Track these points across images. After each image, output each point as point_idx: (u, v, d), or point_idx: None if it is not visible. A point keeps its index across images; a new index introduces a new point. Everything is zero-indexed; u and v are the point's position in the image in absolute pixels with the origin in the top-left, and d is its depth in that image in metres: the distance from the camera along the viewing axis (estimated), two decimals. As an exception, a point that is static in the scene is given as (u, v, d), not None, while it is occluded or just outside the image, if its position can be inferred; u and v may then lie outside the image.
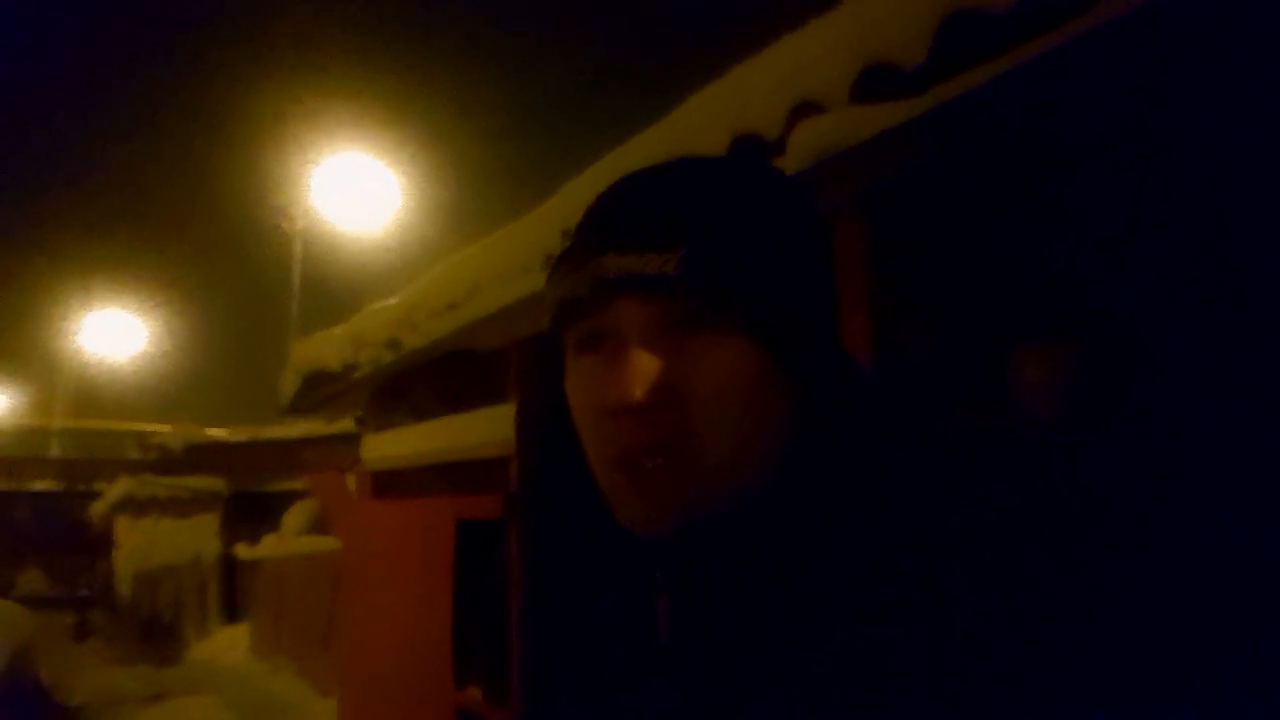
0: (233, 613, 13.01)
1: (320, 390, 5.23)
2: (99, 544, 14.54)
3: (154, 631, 12.53)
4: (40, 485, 18.42)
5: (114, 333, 37.52)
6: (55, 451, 24.71)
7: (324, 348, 5.06)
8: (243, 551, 12.62)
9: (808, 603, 0.67)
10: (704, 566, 0.73)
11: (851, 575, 0.66)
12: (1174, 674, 0.69)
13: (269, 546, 11.68)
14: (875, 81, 1.73)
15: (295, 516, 11.76)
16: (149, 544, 13.50)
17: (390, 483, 5.07)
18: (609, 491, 0.74)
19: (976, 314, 1.92)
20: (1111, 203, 1.70)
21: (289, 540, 11.31)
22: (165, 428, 17.47)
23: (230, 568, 13.16)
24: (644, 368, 0.69)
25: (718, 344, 0.70)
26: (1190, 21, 1.30)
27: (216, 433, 16.33)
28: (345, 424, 9.44)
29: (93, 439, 25.07)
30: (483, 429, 3.92)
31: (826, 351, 0.77)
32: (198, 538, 13.62)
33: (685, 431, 0.69)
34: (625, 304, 0.71)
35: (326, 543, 8.27)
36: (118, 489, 14.01)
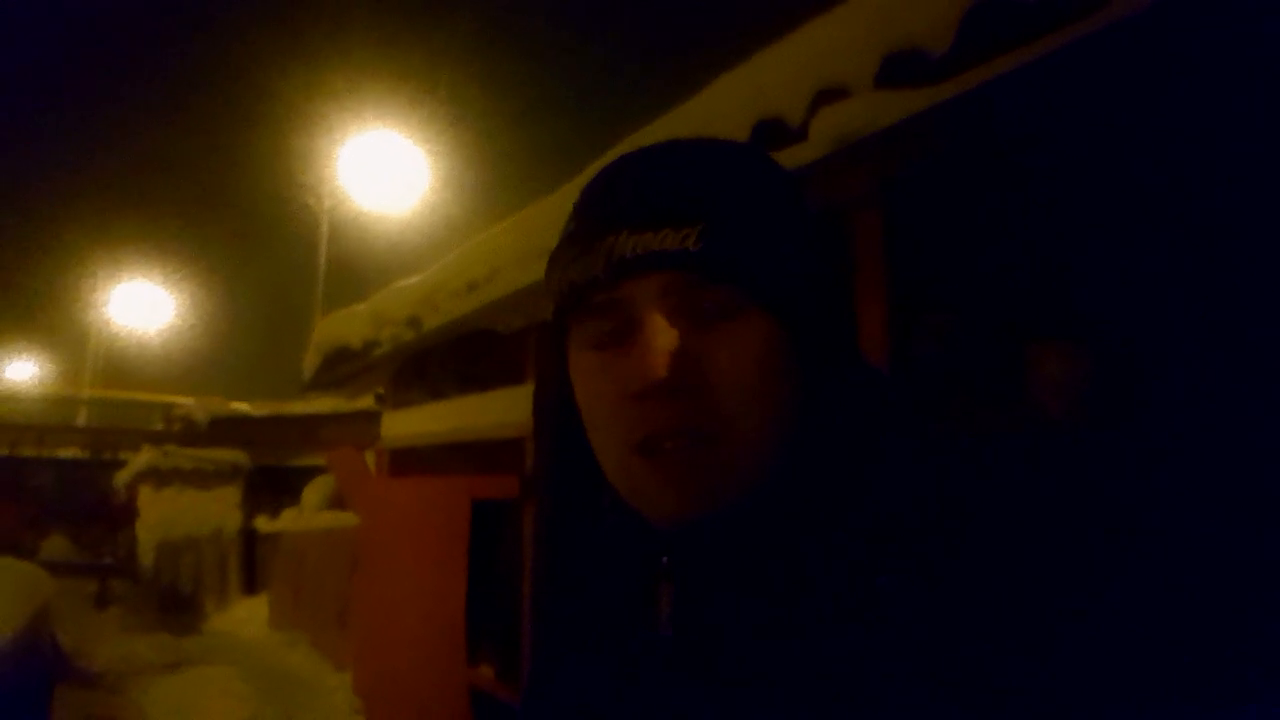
0: (252, 585, 13.13)
1: (341, 367, 5.26)
2: (122, 513, 14.68)
3: (174, 601, 12.66)
4: (66, 453, 18.62)
5: (143, 305, 37.88)
6: (82, 420, 25.01)
7: (346, 325, 5.08)
8: (263, 525, 12.73)
9: (814, 594, 0.66)
10: (712, 555, 0.71)
11: (857, 567, 0.65)
12: (1179, 670, 0.68)
13: (289, 521, 11.78)
14: (900, 68, 1.71)
15: (315, 491, 11.86)
16: (171, 514, 13.62)
17: (408, 460, 5.10)
18: (626, 479, 0.72)
19: (994, 308, 1.90)
20: (1134, 198, 1.67)
21: (309, 515, 11.41)
22: (190, 400, 17.58)
23: (251, 541, 13.28)
24: (667, 347, 0.67)
25: (740, 322, 0.68)
26: (1218, 13, 1.27)
27: (240, 406, 16.43)
28: (366, 401, 9.51)
29: (119, 409, 25.37)
30: (500, 410, 3.93)
31: (839, 335, 0.76)
32: (220, 510, 13.73)
33: (712, 413, 0.67)
34: (643, 283, 0.69)
35: (346, 518, 8.33)
36: (141, 459, 14.14)
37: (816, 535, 0.68)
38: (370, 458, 5.68)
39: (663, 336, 0.68)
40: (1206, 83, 1.45)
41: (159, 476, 13.89)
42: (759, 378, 0.69)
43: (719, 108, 2.20)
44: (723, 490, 0.69)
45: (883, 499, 0.68)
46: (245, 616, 11.89)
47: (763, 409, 0.69)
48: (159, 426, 18.01)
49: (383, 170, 23.20)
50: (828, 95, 1.87)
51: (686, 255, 0.68)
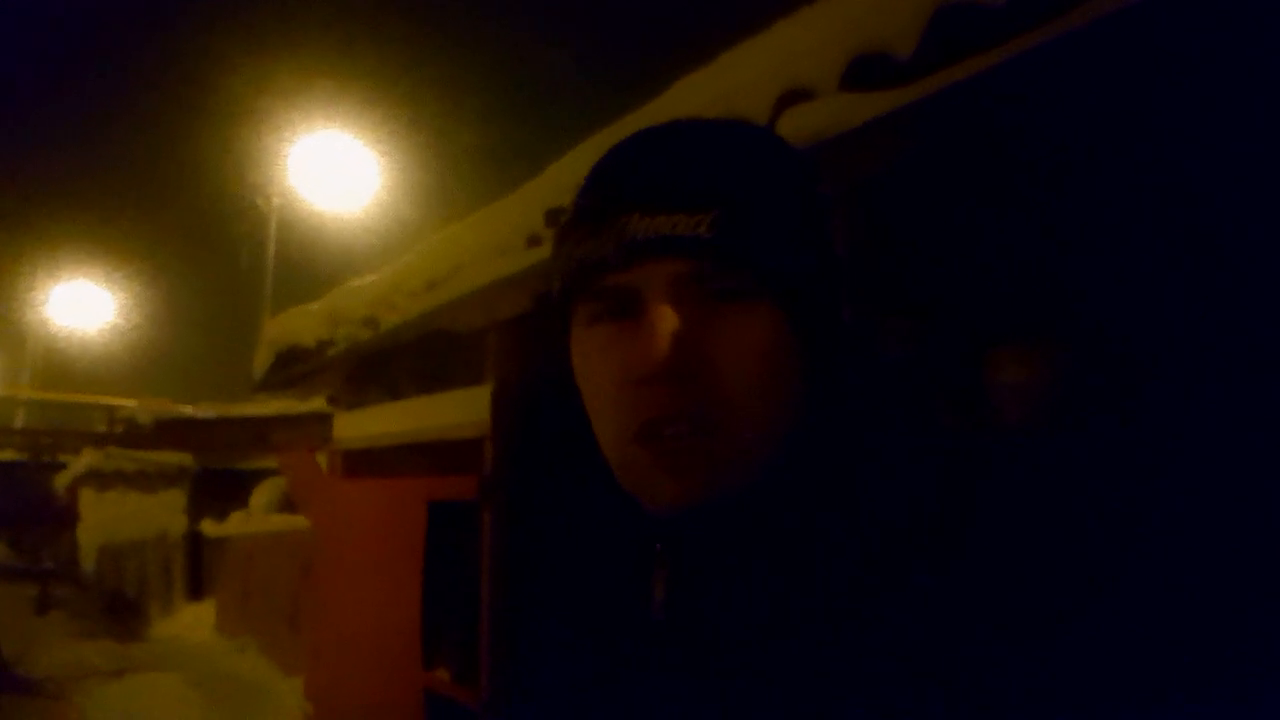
0: (198, 590, 12.90)
1: (294, 367, 5.19)
2: (64, 516, 14.37)
3: (118, 606, 12.41)
4: (4, 455, 18.17)
5: (84, 305, 37.06)
6: (20, 422, 24.42)
7: (299, 324, 5.01)
8: (209, 529, 12.51)
9: (809, 587, 0.66)
10: (709, 541, 0.71)
11: (854, 563, 0.66)
12: (1179, 670, 0.69)
13: (237, 524, 11.59)
14: (866, 70, 1.73)
15: (264, 494, 11.70)
16: (114, 518, 13.35)
17: (362, 462, 5.04)
18: (623, 466, 0.72)
19: (956, 312, 1.93)
20: (1097, 202, 1.70)
21: (257, 518, 11.24)
22: (133, 402, 17.24)
23: (197, 544, 13.05)
24: (672, 333, 0.67)
25: (745, 310, 0.69)
26: (1183, 18, 1.30)
27: (186, 409, 16.16)
28: (317, 403, 9.39)
29: (59, 411, 24.80)
30: (458, 410, 3.90)
31: (837, 324, 0.76)
32: (164, 513, 13.48)
33: (714, 400, 0.67)
34: (652, 267, 0.68)
35: (295, 521, 8.22)
36: (83, 461, 13.86)
37: (815, 528, 0.69)
38: (322, 460, 5.60)
39: (668, 322, 0.67)
40: (1176, 85, 1.48)
41: (101, 479, 13.62)
42: (762, 368, 0.69)
43: (683, 109, 2.21)
44: (721, 479, 0.69)
45: (882, 496, 0.69)
46: (192, 622, 11.69)
47: (765, 400, 0.69)
48: (101, 428, 17.63)
49: (333, 170, 22.97)
50: (793, 97, 1.88)
51: (698, 242, 0.67)
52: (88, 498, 13.68)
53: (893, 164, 1.81)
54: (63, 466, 15.18)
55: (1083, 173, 1.70)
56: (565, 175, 2.73)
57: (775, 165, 0.75)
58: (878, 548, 0.66)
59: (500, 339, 3.47)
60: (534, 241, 2.74)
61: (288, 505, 10.37)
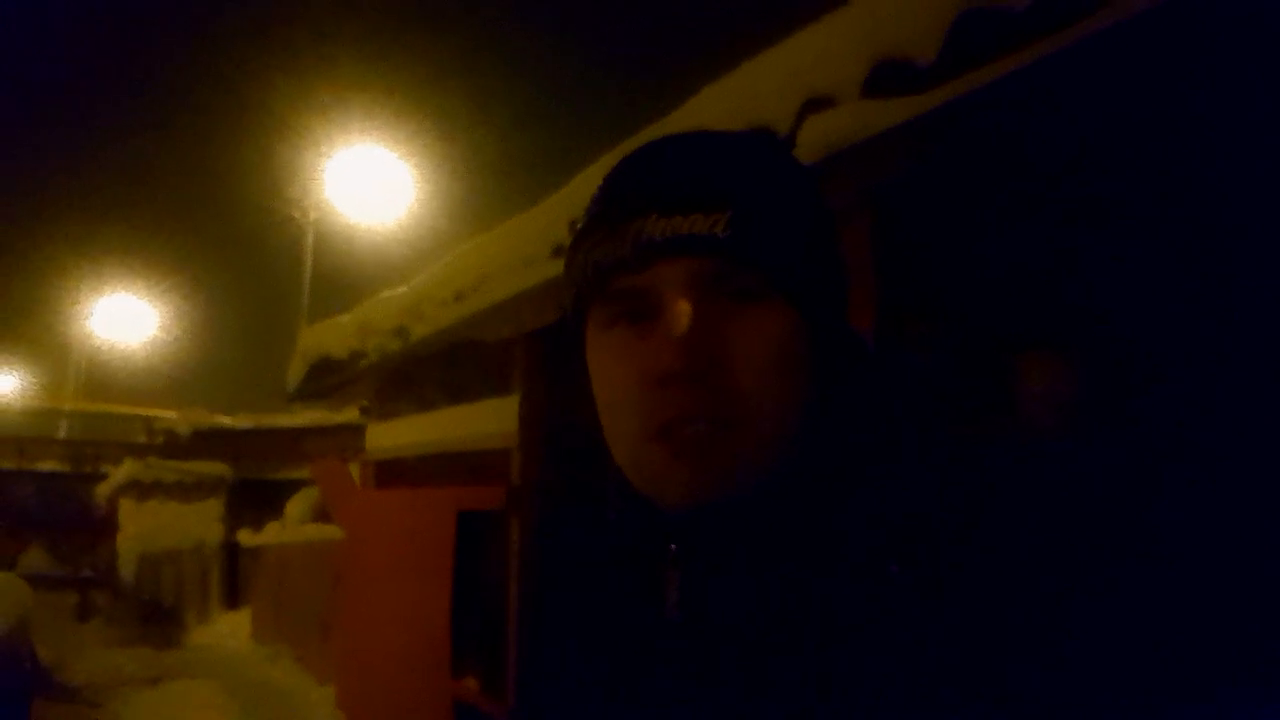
0: (234, 599, 13.03)
1: (326, 378, 5.24)
2: (103, 526, 14.56)
3: (155, 615, 12.56)
4: (47, 465, 18.45)
5: (125, 318, 37.63)
6: (63, 433, 24.81)
7: (331, 335, 5.07)
8: (246, 538, 12.64)
9: (822, 585, 0.66)
10: (721, 541, 0.71)
11: (868, 560, 0.66)
12: (1184, 672, 0.69)
13: (272, 533, 11.70)
14: (887, 77, 1.73)
15: (299, 504, 11.80)
16: (153, 527, 13.52)
17: (393, 472, 5.08)
18: (639, 465, 0.72)
19: (982, 318, 1.91)
20: (1122, 207, 1.69)
21: (292, 528, 11.34)
22: (172, 413, 17.47)
23: (233, 554, 13.19)
24: (691, 332, 0.67)
25: (761, 310, 0.69)
26: (1203, 23, 1.29)
27: (224, 419, 16.33)
28: (351, 414, 9.48)
29: (100, 422, 25.14)
30: (486, 421, 3.93)
31: (845, 329, 0.77)
32: (202, 523, 13.64)
33: (732, 399, 0.68)
34: (668, 267, 0.69)
35: (330, 531, 8.28)
36: (123, 471, 14.04)
37: (825, 528, 0.69)
38: (355, 470, 5.65)
39: (687, 321, 0.68)
40: (1196, 89, 1.46)
41: (141, 489, 13.79)
42: (780, 365, 0.69)
43: (708, 117, 2.21)
44: (738, 476, 0.69)
45: (896, 495, 0.69)
46: (227, 630, 11.80)
47: (782, 396, 0.69)
48: (141, 439, 17.88)
49: (368, 183, 23.20)
50: (815, 104, 1.88)
51: (715, 240, 0.68)
52: (127, 507, 13.86)
53: (915, 170, 1.81)
54: (104, 477, 15.38)
55: (1106, 178, 1.68)
56: (590, 186, 2.73)
57: (785, 173, 0.76)
58: (891, 549, 0.66)
59: (526, 350, 3.48)
60: (559, 252, 2.75)
61: (323, 515, 10.45)
